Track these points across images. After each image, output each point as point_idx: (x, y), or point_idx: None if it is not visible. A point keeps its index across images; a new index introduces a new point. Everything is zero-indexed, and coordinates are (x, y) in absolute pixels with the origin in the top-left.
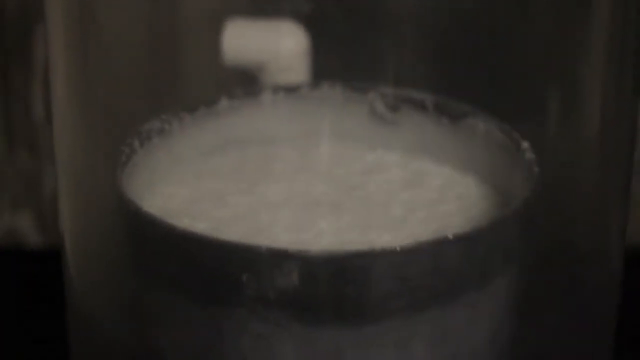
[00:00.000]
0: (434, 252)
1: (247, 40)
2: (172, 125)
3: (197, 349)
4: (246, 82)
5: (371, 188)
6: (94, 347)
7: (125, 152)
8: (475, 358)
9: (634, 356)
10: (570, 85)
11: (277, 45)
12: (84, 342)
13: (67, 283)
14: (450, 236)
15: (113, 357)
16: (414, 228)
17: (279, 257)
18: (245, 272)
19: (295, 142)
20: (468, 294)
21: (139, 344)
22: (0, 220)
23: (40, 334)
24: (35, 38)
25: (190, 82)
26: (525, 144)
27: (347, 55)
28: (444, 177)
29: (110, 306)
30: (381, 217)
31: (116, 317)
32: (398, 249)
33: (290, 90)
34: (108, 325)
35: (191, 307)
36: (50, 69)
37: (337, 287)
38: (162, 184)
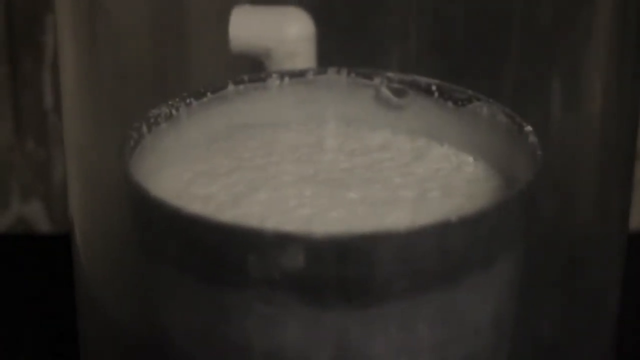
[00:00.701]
0: (437, 234)
1: (253, 26)
2: (180, 110)
3: (202, 330)
4: (253, 68)
5: (377, 168)
6: (103, 329)
7: (133, 137)
8: (479, 339)
9: (636, 339)
10: (572, 70)
11: (283, 31)
12: (93, 325)
13: (76, 267)
14: (453, 218)
15: (121, 338)
16: (419, 207)
17: (284, 240)
18: (251, 255)
19: (302, 126)
20: (471, 276)
21: (146, 325)
22: (10, 208)
23: (50, 318)
24: (45, 26)
25: (197, 68)
26: (528, 128)
27: (353, 41)
28: (449, 159)
29: (118, 288)
30: (388, 196)
31: (124, 299)
32: (402, 231)
33: (296, 75)
34: (116, 307)
35: (197, 289)
36: (59, 56)
37: (341, 269)
38: (170, 168)
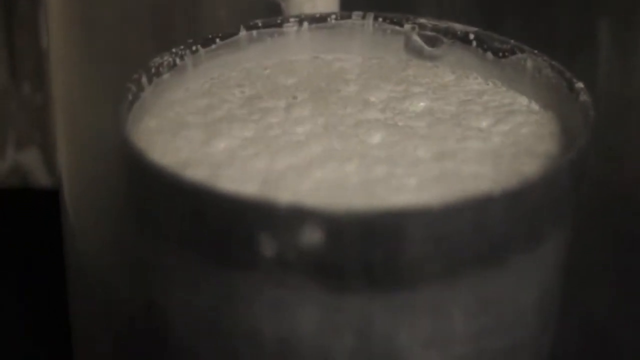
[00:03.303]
0: (476, 209)
1: None
2: (185, 59)
3: (206, 315)
4: (268, 12)
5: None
6: (95, 308)
7: (131, 90)
8: (520, 327)
9: None
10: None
11: None
12: (84, 295)
13: (65, 234)
14: (495, 191)
15: (116, 318)
16: (456, 161)
17: (300, 215)
18: (262, 231)
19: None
20: (514, 257)
21: (143, 307)
22: (4, 157)
23: (46, 275)
24: None
25: (205, 11)
26: (579, 85)
27: None
28: (495, 108)
29: (112, 265)
30: (427, 146)
31: (119, 276)
32: (435, 206)
33: (317, 20)
34: (110, 286)
35: (201, 269)
36: None
37: (365, 248)
38: (173, 126)
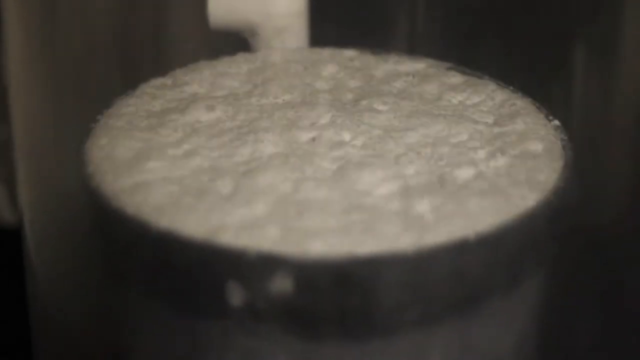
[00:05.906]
0: (452, 255)
1: None
2: None
3: None
4: (237, 47)
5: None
6: (58, 349)
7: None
8: None
9: None
10: (603, 49)
11: (271, 3)
12: (48, 342)
13: (28, 276)
14: (471, 236)
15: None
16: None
17: (270, 262)
18: (232, 279)
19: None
20: (493, 302)
21: (109, 348)
22: None
23: (9, 315)
24: None
25: (171, 47)
26: (555, 122)
27: (351, 16)
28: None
29: (77, 306)
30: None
31: (84, 319)
32: (410, 252)
33: None
34: (75, 327)
35: (167, 317)
36: (4, 24)
37: (339, 296)
38: (139, 166)
